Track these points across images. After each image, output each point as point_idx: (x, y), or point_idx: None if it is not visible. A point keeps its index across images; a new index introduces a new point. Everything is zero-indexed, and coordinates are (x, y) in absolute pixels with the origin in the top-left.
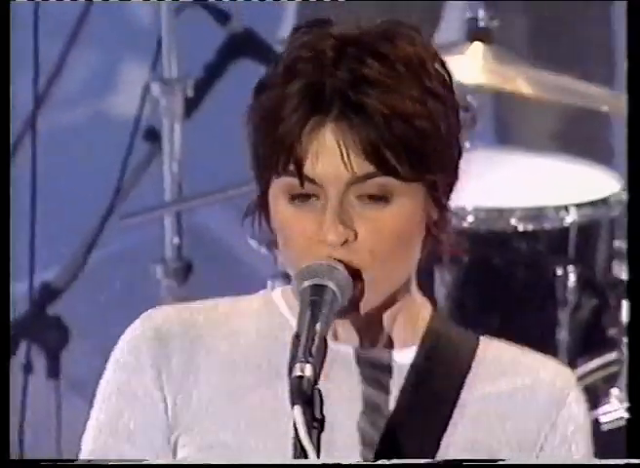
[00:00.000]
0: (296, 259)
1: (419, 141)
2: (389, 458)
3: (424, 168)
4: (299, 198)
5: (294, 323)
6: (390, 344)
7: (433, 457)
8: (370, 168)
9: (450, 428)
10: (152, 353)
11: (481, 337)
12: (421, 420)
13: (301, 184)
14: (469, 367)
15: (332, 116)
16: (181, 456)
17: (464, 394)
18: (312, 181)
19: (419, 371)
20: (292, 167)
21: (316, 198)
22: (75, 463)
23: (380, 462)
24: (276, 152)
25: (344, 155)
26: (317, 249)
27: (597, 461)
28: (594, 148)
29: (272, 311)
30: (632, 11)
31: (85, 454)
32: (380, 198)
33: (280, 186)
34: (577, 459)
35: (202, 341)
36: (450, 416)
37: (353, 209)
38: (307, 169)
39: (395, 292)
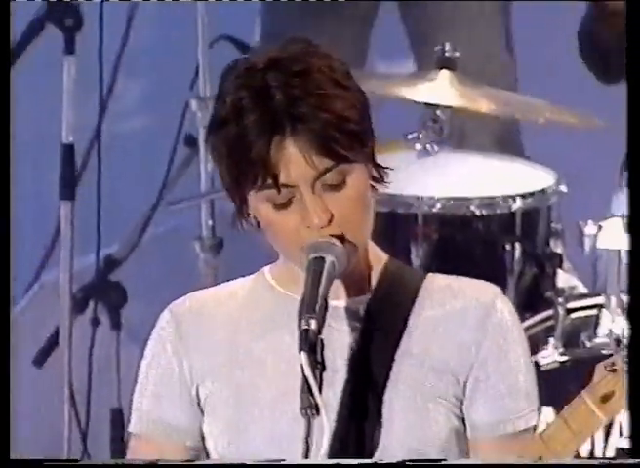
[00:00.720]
0: (286, 247)
1: (352, 128)
2: (361, 372)
3: (361, 146)
4: (281, 206)
5: (278, 288)
6: (353, 292)
7: (390, 366)
8: (328, 162)
9: (402, 344)
10: (170, 337)
11: (429, 273)
12: (380, 340)
13: (279, 192)
14: (417, 292)
15: (287, 133)
16: (204, 400)
17: (412, 321)
18: (287, 186)
19: (374, 306)
20: (269, 180)
21: (293, 198)
22: (78, 463)
23: (379, 462)
24: (252, 172)
25: (307, 158)
26: (306, 234)
27: (597, 461)
28: (527, 150)
29: (262, 280)
30: (632, 11)
31: (134, 414)
32: (338, 185)
33: (261, 198)
34: (519, 371)
35: (210, 316)
36: (402, 335)
37: (323, 197)
38: (282, 178)
39: (363, 243)
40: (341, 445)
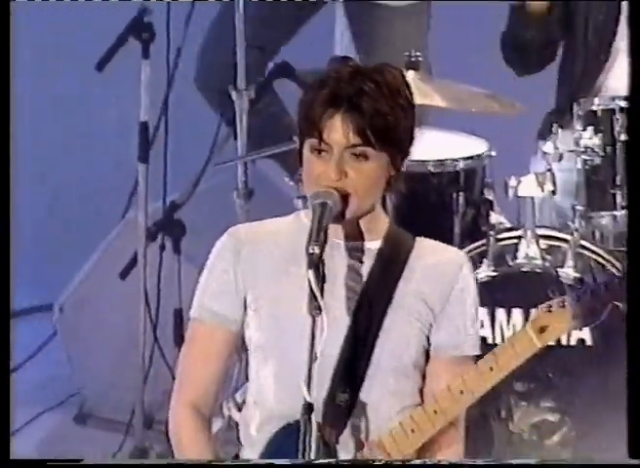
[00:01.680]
0: (309, 188)
1: (387, 129)
2: (369, 295)
3: (388, 144)
4: (316, 151)
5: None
6: (362, 238)
7: (391, 295)
8: (358, 140)
9: (401, 282)
10: (230, 251)
11: (416, 238)
12: (384, 279)
13: (319, 144)
14: (410, 250)
15: (341, 110)
16: (249, 302)
17: (408, 268)
18: (326, 143)
19: (382, 253)
20: (316, 134)
21: (326, 153)
22: (80, 463)
23: (378, 462)
24: (309, 125)
25: (345, 132)
26: (322, 181)
27: (597, 461)
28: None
29: (298, 220)
30: (632, 11)
31: (195, 304)
32: (361, 159)
33: (308, 145)
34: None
35: (258, 243)
36: (399, 279)
37: (346, 162)
38: (324, 136)
39: (368, 209)
40: (352, 347)
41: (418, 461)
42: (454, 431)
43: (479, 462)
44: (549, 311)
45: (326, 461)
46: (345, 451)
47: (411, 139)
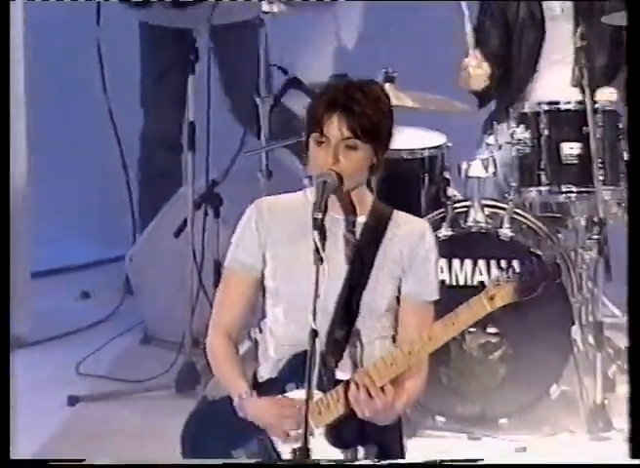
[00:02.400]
0: (315, 170)
1: (371, 127)
2: (359, 256)
3: (372, 139)
4: (319, 142)
5: (312, 201)
6: (355, 213)
7: (374, 255)
8: (349, 134)
9: (381, 246)
10: (254, 217)
11: (393, 211)
12: (368, 246)
13: (321, 137)
14: (388, 221)
15: (337, 112)
16: (268, 257)
17: (386, 236)
18: (325, 136)
19: (367, 225)
20: (318, 130)
21: (325, 144)
22: (81, 463)
23: (380, 463)
24: (313, 124)
25: (340, 128)
26: (324, 165)
27: (597, 461)
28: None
29: (306, 198)
30: (632, 11)
31: (228, 256)
32: (352, 149)
33: (312, 138)
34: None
35: (276, 212)
36: (379, 244)
37: (340, 151)
38: (324, 131)
39: (355, 187)
40: (346, 296)
41: (420, 460)
42: (420, 366)
43: (480, 463)
44: (498, 284)
45: (329, 463)
46: (343, 375)
47: (389, 136)
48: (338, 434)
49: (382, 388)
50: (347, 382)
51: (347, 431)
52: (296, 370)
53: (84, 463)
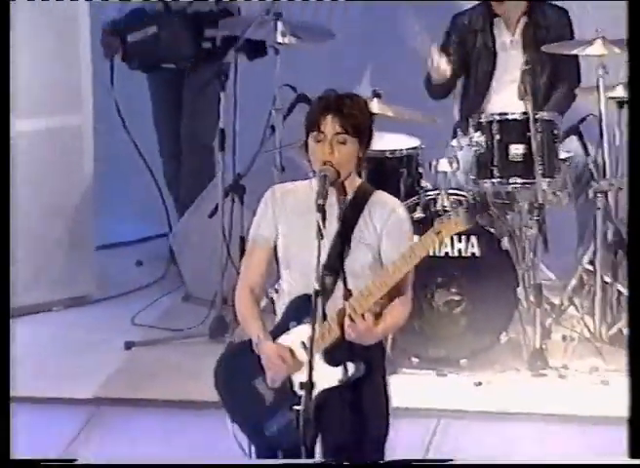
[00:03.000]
0: (316, 164)
1: (356, 125)
2: (343, 227)
3: (357, 134)
4: (317, 140)
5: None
6: (346, 195)
7: (354, 225)
8: (341, 130)
9: (361, 218)
10: (270, 201)
11: (375, 191)
12: (351, 217)
13: (318, 134)
14: (368, 199)
15: (331, 113)
16: (280, 230)
17: (365, 209)
18: (322, 133)
19: (352, 200)
20: (316, 128)
21: (322, 141)
22: (74, 463)
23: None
24: (312, 123)
25: (333, 125)
26: (322, 157)
27: (598, 461)
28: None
29: (310, 187)
30: (632, 11)
31: (250, 232)
32: (342, 143)
33: (312, 137)
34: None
35: (286, 197)
36: (361, 213)
37: (334, 144)
38: (321, 128)
39: (348, 175)
40: (334, 255)
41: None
42: (404, 297)
43: (482, 462)
44: (442, 222)
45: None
46: (333, 305)
47: (371, 134)
48: (332, 354)
49: (363, 315)
50: (340, 311)
51: (340, 351)
52: (294, 310)
53: (77, 463)
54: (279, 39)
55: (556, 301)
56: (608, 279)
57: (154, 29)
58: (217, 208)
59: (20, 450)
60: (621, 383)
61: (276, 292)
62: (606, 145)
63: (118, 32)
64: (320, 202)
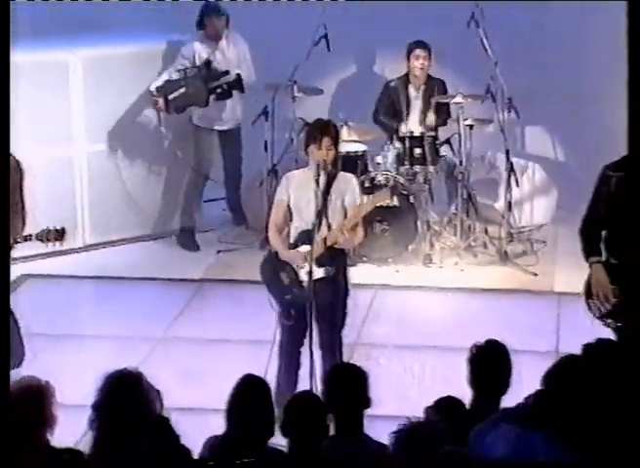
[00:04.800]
0: (314, 160)
1: (335, 140)
2: (324, 191)
3: (336, 145)
4: (318, 149)
5: (311, 173)
6: (327, 173)
7: (329, 190)
8: (330, 143)
9: (334, 184)
10: (284, 180)
11: (340, 172)
12: (326, 188)
13: (319, 146)
14: (337, 175)
15: (327, 135)
16: (290, 195)
17: (335, 182)
18: (321, 145)
19: (326, 178)
20: (318, 143)
21: (321, 149)
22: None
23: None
24: (313, 139)
25: (326, 142)
26: (320, 159)
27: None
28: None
29: (308, 170)
30: (632, 11)
31: (276, 197)
32: (329, 150)
33: (313, 146)
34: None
35: (294, 177)
36: (333, 183)
37: (325, 151)
38: (321, 143)
39: (330, 164)
40: (322, 208)
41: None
42: (360, 228)
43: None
44: (379, 192)
45: None
46: (320, 234)
47: (337, 143)
48: (320, 261)
49: (347, 233)
50: (324, 238)
51: (323, 259)
52: (300, 237)
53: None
54: (296, 94)
55: (437, 228)
56: (464, 218)
57: (183, 90)
58: (262, 183)
59: None
60: (472, 271)
61: (288, 233)
62: (463, 149)
63: (163, 94)
64: (316, 178)
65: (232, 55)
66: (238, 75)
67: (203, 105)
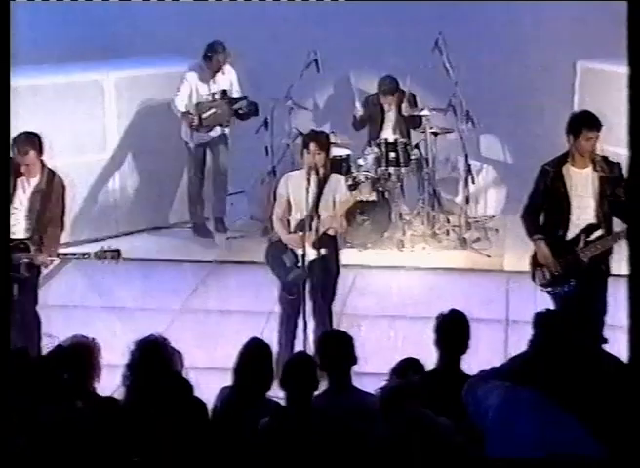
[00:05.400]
0: (307, 163)
1: (324, 147)
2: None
3: (325, 150)
4: (308, 153)
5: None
6: (318, 174)
7: (322, 191)
8: (318, 149)
9: (327, 184)
10: (283, 179)
11: (332, 173)
12: (321, 186)
13: (309, 151)
14: (330, 175)
15: (314, 142)
16: (288, 188)
17: (328, 182)
18: (310, 151)
19: (323, 177)
20: (308, 148)
21: (310, 154)
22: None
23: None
24: (306, 145)
25: (314, 148)
26: (311, 162)
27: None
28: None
29: (303, 171)
30: (632, 11)
31: (277, 191)
32: (320, 153)
33: (306, 151)
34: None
35: (292, 177)
36: (326, 183)
37: (315, 156)
38: (309, 149)
39: (320, 166)
40: (314, 202)
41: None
42: (342, 218)
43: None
44: (360, 189)
45: None
46: (315, 224)
47: (329, 149)
48: (315, 244)
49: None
50: (317, 227)
51: (318, 243)
52: (298, 226)
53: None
54: (291, 107)
55: (408, 218)
56: (431, 210)
57: (213, 111)
58: (263, 181)
59: None
60: (437, 254)
61: (288, 222)
62: (429, 153)
63: (197, 113)
64: (308, 178)
65: (224, 82)
66: (254, 102)
67: (226, 125)
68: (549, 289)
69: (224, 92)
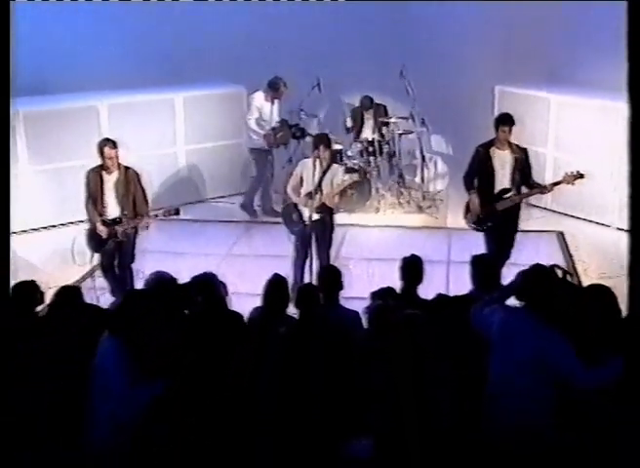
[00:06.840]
0: (313, 155)
1: (329, 145)
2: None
3: (329, 147)
4: (315, 149)
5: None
6: (322, 163)
7: (324, 175)
8: (325, 148)
9: (329, 171)
10: (300, 164)
11: (333, 163)
12: (326, 169)
13: (318, 151)
14: (330, 165)
15: (323, 143)
16: (302, 171)
17: (330, 168)
18: (319, 150)
19: (327, 166)
20: (318, 148)
21: (319, 150)
22: None
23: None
24: (316, 145)
25: (322, 146)
26: (317, 154)
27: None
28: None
29: (312, 159)
30: (632, 11)
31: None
32: (325, 149)
33: (316, 151)
34: None
35: (305, 163)
36: (328, 169)
37: (323, 152)
38: (319, 148)
39: (324, 157)
40: (319, 182)
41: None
42: (338, 196)
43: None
44: (352, 176)
45: None
46: (318, 197)
47: (330, 146)
48: (317, 209)
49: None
50: (320, 198)
51: (319, 210)
52: (307, 195)
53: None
54: (302, 116)
55: (382, 192)
56: (397, 186)
57: (281, 133)
58: (283, 167)
59: None
60: (401, 216)
61: (299, 194)
62: (397, 147)
63: (275, 133)
64: (314, 163)
65: (276, 108)
66: (303, 128)
67: (287, 144)
68: (474, 226)
69: (285, 120)
